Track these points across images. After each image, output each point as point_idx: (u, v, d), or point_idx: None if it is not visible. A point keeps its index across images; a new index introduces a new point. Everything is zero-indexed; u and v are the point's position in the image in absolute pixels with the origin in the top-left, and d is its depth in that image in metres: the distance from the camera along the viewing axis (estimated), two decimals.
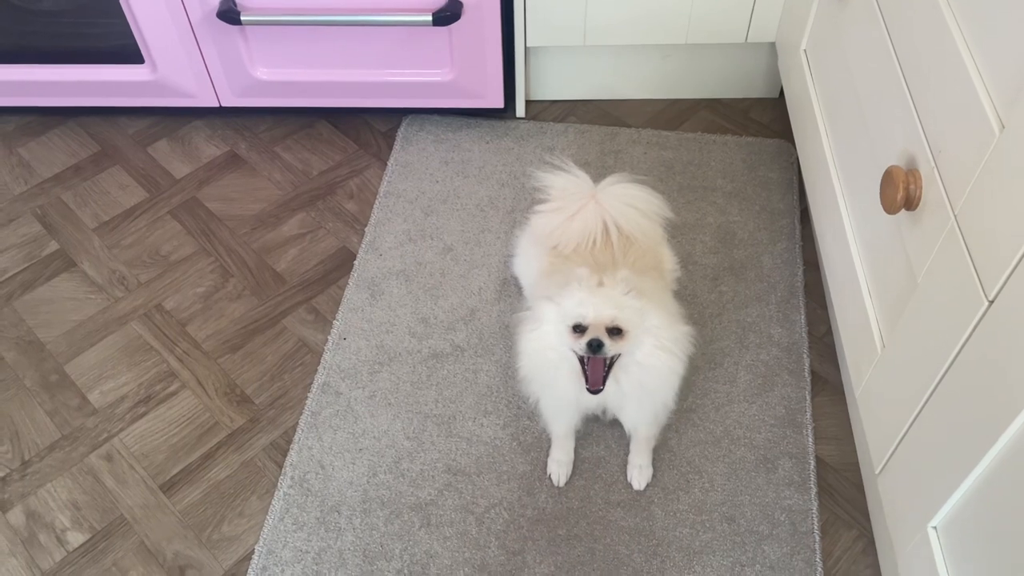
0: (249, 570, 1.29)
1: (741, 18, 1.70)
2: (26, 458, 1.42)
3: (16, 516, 1.36)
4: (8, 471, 1.41)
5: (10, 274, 1.67)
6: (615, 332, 1.17)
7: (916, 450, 1.03)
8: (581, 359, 1.19)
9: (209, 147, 1.88)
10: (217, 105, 1.83)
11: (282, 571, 1.29)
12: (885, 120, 1.13)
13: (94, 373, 1.52)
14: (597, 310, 1.16)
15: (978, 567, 0.91)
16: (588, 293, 1.18)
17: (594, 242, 1.33)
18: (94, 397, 1.49)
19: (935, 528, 0.99)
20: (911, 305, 1.03)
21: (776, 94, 1.94)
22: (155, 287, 1.65)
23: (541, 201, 1.41)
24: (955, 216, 0.91)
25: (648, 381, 1.21)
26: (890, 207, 1.01)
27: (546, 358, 1.23)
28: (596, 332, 1.15)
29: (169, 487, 1.39)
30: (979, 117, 0.87)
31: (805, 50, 1.53)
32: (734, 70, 1.90)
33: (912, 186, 0.99)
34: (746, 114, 1.92)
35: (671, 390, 1.26)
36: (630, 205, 1.36)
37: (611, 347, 1.15)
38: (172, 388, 1.50)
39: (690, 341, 1.26)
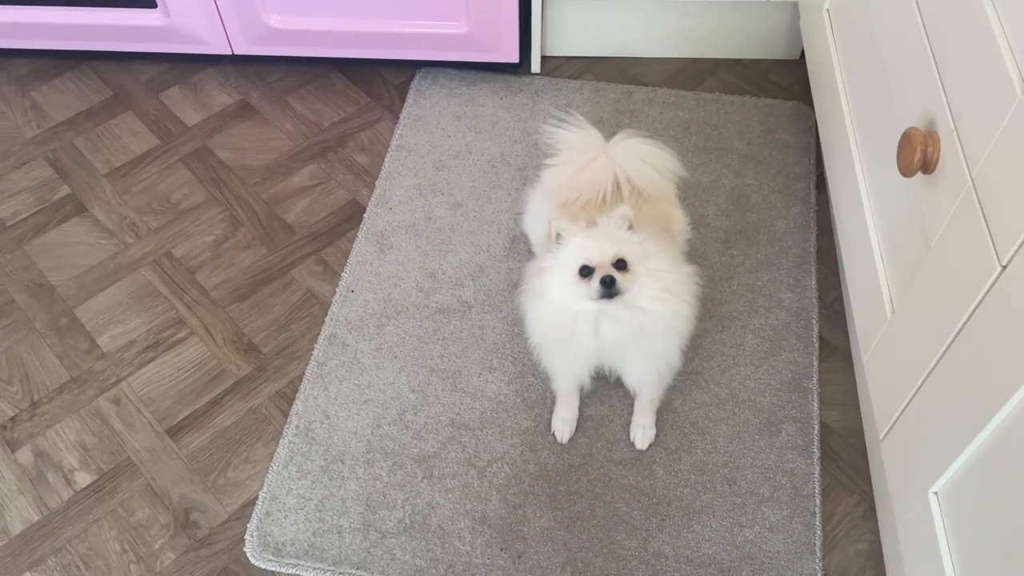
0: (253, 515, 1.31)
1: None
2: (35, 399, 1.44)
3: (25, 455, 1.38)
4: (18, 411, 1.43)
5: (22, 217, 1.67)
6: (622, 266, 1.17)
7: (921, 416, 1.02)
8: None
9: (221, 95, 1.87)
10: (230, 53, 1.81)
11: (285, 517, 1.30)
12: (906, 81, 1.10)
13: (104, 317, 1.53)
14: (600, 248, 1.17)
15: (977, 533, 0.91)
16: (586, 236, 1.19)
17: (604, 199, 1.32)
18: (103, 341, 1.50)
19: (936, 494, 0.99)
20: (923, 270, 1.01)
21: (797, 56, 1.90)
22: (165, 234, 1.65)
23: (552, 155, 1.40)
24: (972, 180, 0.89)
25: (654, 328, 1.21)
26: (907, 170, 0.99)
27: (559, 321, 1.23)
28: (604, 270, 1.16)
29: (176, 432, 1.40)
30: (1002, 79, 0.85)
31: (828, 9, 1.50)
32: (755, 30, 1.86)
33: (930, 148, 0.97)
34: (766, 76, 1.88)
35: (678, 338, 1.26)
36: (642, 160, 1.34)
37: (622, 281, 1.15)
38: (180, 335, 1.51)
39: (696, 281, 1.26)
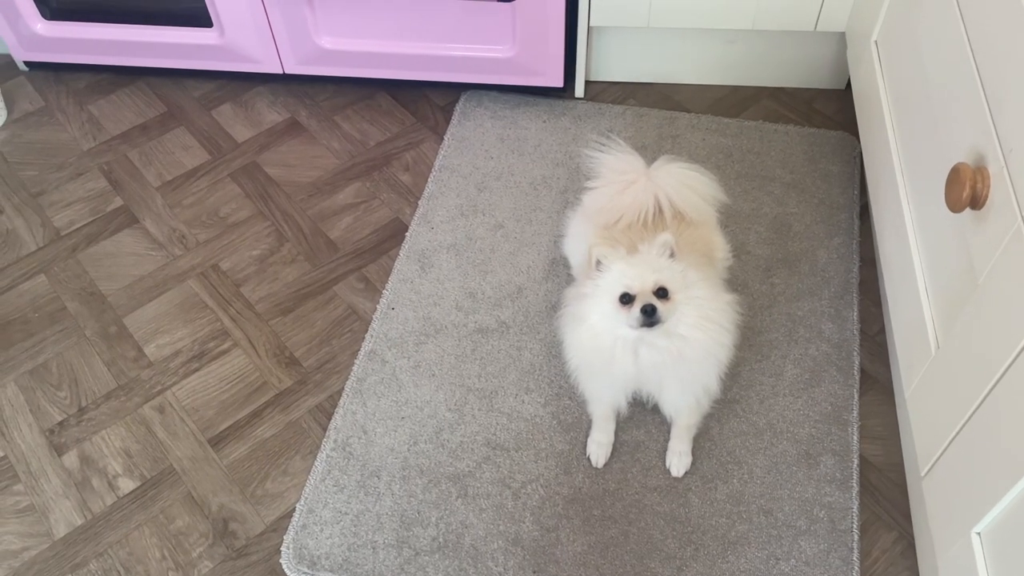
0: (290, 527, 1.32)
1: (811, 6, 1.67)
2: (83, 405, 1.48)
3: (71, 460, 1.41)
4: (66, 416, 1.46)
5: (76, 227, 1.72)
6: (662, 294, 1.18)
7: (965, 454, 1.01)
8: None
9: (271, 113, 1.92)
10: (281, 72, 1.86)
11: (321, 530, 1.32)
12: (955, 116, 1.10)
13: (151, 327, 1.57)
14: (641, 276, 1.17)
15: None
16: (626, 263, 1.19)
17: (645, 223, 1.32)
18: (150, 350, 1.54)
19: (979, 534, 0.97)
20: (970, 306, 1.00)
21: (843, 85, 1.90)
22: (213, 247, 1.69)
23: (593, 178, 1.41)
24: (1022, 217, 0.88)
25: (693, 355, 1.21)
26: (955, 205, 0.99)
27: (598, 346, 1.23)
28: (645, 298, 1.16)
29: (217, 442, 1.43)
30: None
31: (876, 41, 1.49)
32: (801, 59, 1.86)
33: (979, 185, 0.97)
34: (810, 104, 1.88)
35: (717, 365, 1.26)
36: (683, 183, 1.35)
37: (663, 310, 1.16)
38: (224, 346, 1.54)
39: (736, 310, 1.26)
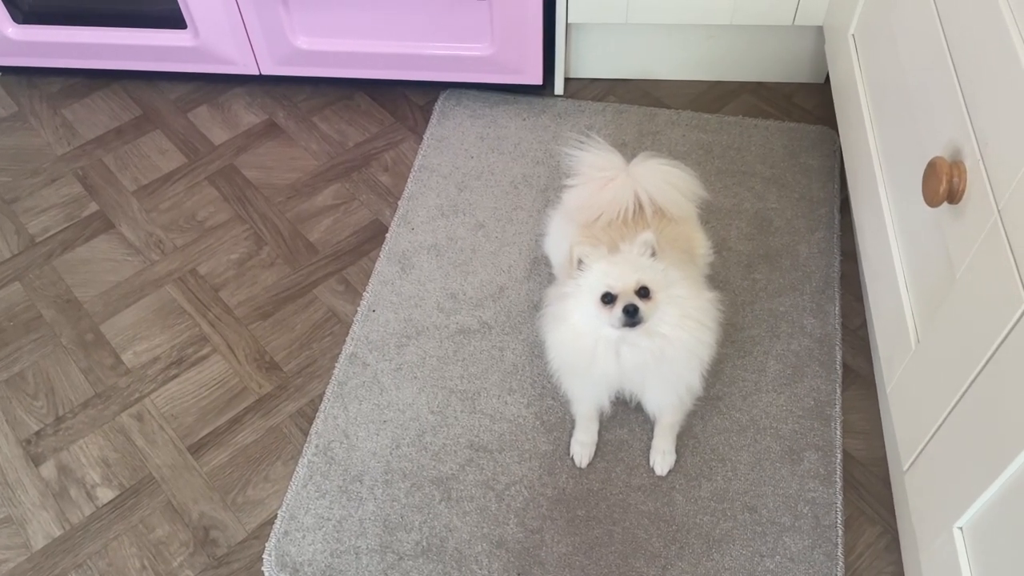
0: (271, 534, 1.31)
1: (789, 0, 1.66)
2: (60, 414, 1.46)
3: (48, 470, 1.39)
4: (42, 425, 1.44)
5: (51, 233, 1.70)
6: (644, 294, 1.17)
7: (946, 448, 1.01)
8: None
9: (248, 115, 1.90)
10: (257, 73, 1.84)
11: (303, 537, 1.30)
12: (932, 110, 1.09)
13: (128, 334, 1.55)
14: (623, 275, 1.17)
15: (1003, 571, 0.89)
16: (608, 262, 1.18)
17: (625, 220, 1.31)
18: (127, 357, 1.52)
19: (961, 529, 0.97)
20: (949, 300, 1.00)
21: (822, 79, 1.90)
22: (190, 252, 1.67)
23: (572, 176, 1.41)
24: (999, 211, 0.88)
25: (676, 354, 1.21)
26: (932, 199, 0.99)
27: (579, 346, 1.23)
28: (627, 298, 1.15)
29: (197, 449, 1.41)
30: None
31: (853, 35, 1.49)
32: (780, 53, 1.86)
33: (956, 179, 0.96)
34: (790, 99, 1.88)
35: (700, 364, 1.25)
36: (663, 180, 1.34)
37: (644, 310, 1.15)
38: (203, 352, 1.53)
39: (718, 307, 1.25)
